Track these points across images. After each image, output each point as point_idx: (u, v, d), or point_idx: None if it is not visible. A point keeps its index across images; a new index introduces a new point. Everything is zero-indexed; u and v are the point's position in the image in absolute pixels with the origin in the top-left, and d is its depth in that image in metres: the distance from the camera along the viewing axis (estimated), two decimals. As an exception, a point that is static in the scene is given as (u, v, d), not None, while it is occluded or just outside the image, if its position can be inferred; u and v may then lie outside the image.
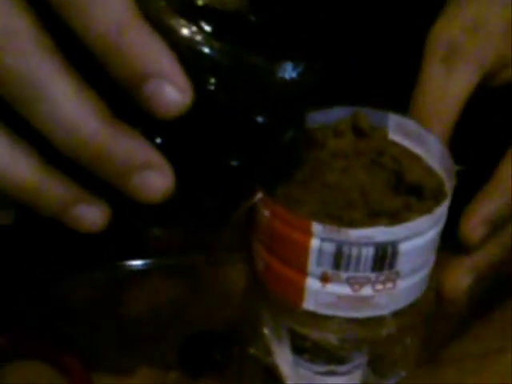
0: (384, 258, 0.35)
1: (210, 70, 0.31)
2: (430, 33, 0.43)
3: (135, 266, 0.52)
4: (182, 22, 0.31)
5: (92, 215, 0.32)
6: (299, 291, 0.36)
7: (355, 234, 0.34)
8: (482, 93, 0.42)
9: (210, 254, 0.49)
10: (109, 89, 0.30)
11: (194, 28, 0.31)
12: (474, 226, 0.40)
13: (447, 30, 0.42)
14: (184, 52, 0.31)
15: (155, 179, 0.30)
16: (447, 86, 0.41)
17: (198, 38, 0.31)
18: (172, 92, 0.29)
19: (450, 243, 0.40)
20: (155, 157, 0.31)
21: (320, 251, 0.35)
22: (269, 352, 0.40)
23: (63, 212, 0.32)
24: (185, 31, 0.31)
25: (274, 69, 0.32)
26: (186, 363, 0.47)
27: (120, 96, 0.30)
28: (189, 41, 0.31)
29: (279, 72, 0.33)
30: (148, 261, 0.52)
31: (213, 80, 0.31)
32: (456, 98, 0.41)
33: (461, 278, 0.41)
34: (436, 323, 0.48)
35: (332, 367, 0.40)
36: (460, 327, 0.48)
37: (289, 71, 0.33)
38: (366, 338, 0.39)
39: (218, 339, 0.48)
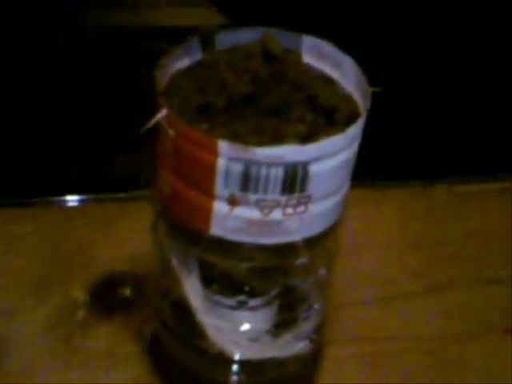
0: (294, 180, 0.33)
1: None
2: None
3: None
4: None
5: None
6: (206, 216, 0.34)
7: (263, 152, 0.32)
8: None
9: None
10: None
11: None
12: None
13: None
14: None
15: None
16: None
17: None
18: None
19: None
20: None
21: (227, 172, 0.33)
22: (178, 283, 0.38)
23: None
24: None
25: None
26: (95, 301, 0.45)
27: None
28: None
29: None
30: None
31: None
32: None
33: None
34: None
35: (242, 298, 0.38)
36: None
37: None
38: (278, 268, 0.38)
39: (128, 277, 0.46)
